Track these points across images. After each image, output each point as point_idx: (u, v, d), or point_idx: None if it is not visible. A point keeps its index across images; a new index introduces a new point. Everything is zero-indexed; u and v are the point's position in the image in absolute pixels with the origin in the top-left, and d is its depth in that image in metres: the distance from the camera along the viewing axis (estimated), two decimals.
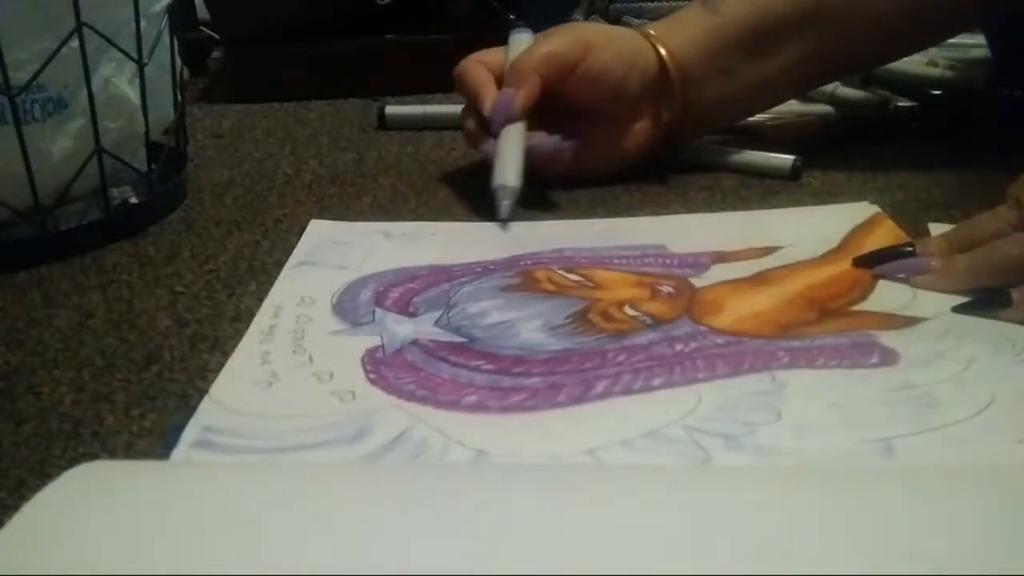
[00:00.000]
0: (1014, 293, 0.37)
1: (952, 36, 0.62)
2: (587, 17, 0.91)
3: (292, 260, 0.45)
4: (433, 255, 0.45)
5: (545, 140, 0.52)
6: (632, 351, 0.36)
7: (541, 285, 0.41)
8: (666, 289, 0.41)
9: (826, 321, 0.38)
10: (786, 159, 0.56)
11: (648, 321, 0.38)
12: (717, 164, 0.58)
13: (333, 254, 0.46)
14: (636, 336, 0.37)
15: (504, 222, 0.49)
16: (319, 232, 0.49)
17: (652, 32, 0.54)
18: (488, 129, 0.52)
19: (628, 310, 0.39)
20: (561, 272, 0.43)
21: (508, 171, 0.49)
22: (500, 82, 0.53)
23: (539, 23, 0.57)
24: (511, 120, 0.51)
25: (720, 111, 0.57)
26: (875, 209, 0.49)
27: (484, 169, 0.58)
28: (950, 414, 0.31)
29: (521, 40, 0.55)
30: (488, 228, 0.49)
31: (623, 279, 0.42)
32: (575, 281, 0.42)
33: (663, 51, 0.53)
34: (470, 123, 0.54)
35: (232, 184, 0.57)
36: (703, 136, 0.59)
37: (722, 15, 0.54)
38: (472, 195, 0.54)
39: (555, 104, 0.53)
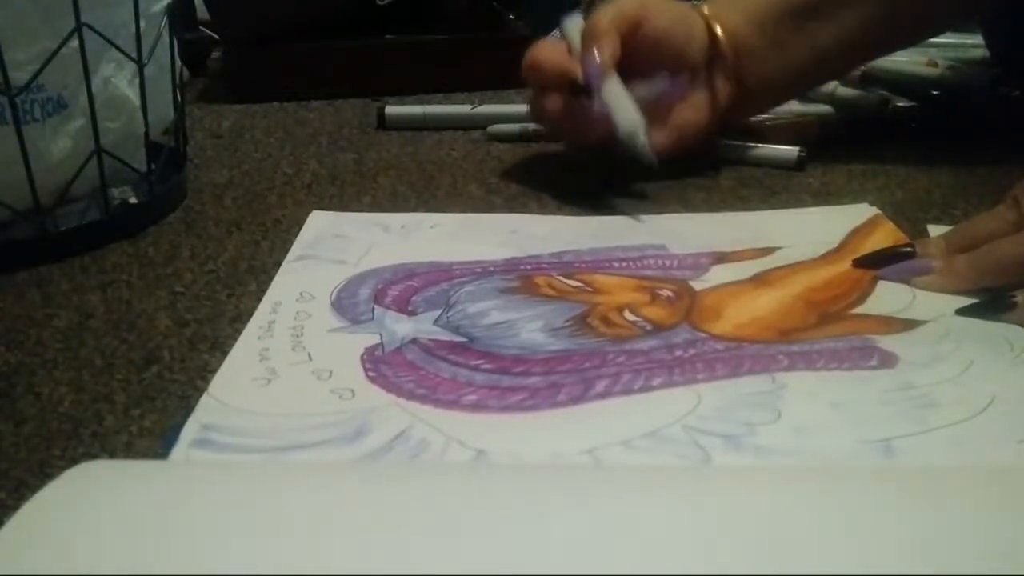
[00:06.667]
0: (1018, 296, 0.37)
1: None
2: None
3: (292, 253, 0.45)
4: (432, 251, 0.45)
5: (649, 85, 0.52)
6: (632, 355, 0.36)
7: (541, 290, 0.41)
8: (666, 293, 0.41)
9: (826, 325, 0.38)
10: (791, 150, 0.56)
11: (648, 327, 0.38)
12: (724, 157, 0.58)
13: (333, 248, 0.46)
14: (636, 342, 0.37)
15: (655, 165, 0.49)
16: (319, 224, 0.49)
17: (705, 9, 0.54)
18: (584, 95, 0.51)
19: (628, 315, 0.39)
20: (560, 278, 0.43)
21: (629, 114, 0.50)
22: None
23: (539, 23, 0.57)
24: (603, 74, 0.50)
25: (774, 85, 0.57)
26: (874, 211, 0.49)
27: (483, 171, 0.58)
28: (950, 415, 0.31)
29: (575, 22, 0.55)
30: (487, 220, 0.50)
31: (622, 283, 0.42)
32: (574, 286, 0.42)
33: (717, 27, 0.54)
34: (555, 100, 0.53)
35: (232, 184, 0.57)
36: (759, 113, 0.60)
37: None
38: (472, 195, 0.54)
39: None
